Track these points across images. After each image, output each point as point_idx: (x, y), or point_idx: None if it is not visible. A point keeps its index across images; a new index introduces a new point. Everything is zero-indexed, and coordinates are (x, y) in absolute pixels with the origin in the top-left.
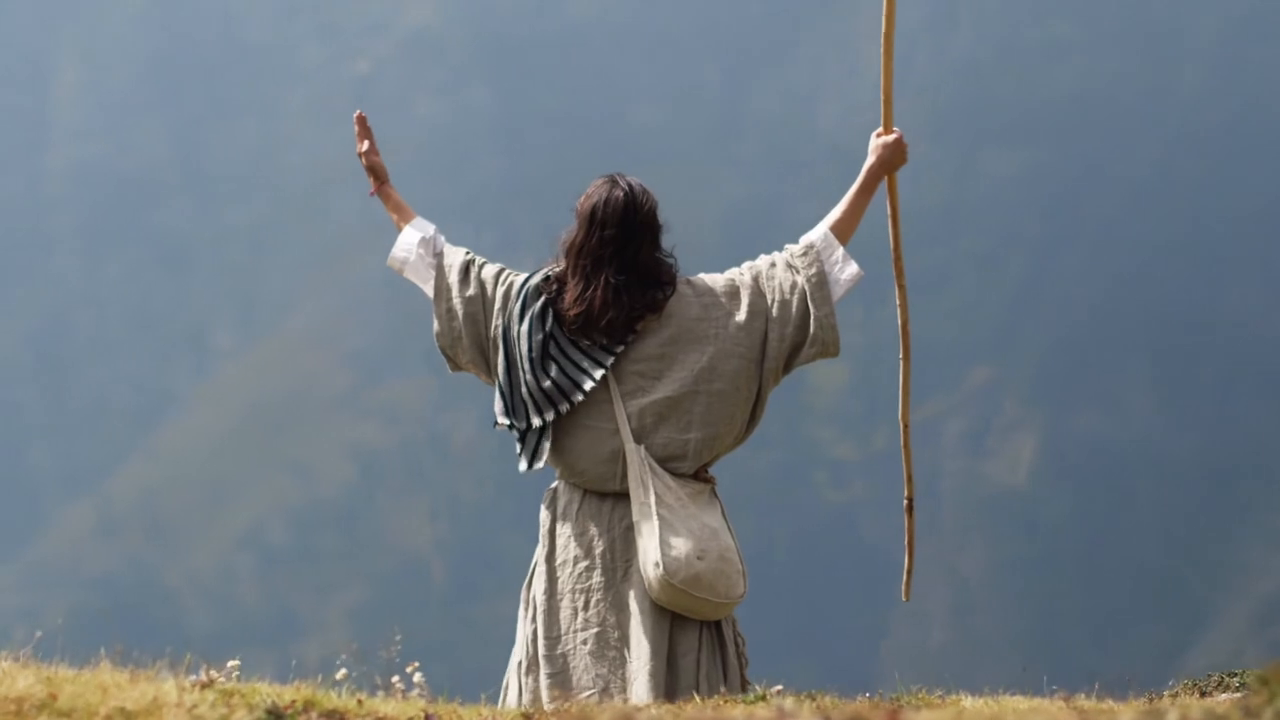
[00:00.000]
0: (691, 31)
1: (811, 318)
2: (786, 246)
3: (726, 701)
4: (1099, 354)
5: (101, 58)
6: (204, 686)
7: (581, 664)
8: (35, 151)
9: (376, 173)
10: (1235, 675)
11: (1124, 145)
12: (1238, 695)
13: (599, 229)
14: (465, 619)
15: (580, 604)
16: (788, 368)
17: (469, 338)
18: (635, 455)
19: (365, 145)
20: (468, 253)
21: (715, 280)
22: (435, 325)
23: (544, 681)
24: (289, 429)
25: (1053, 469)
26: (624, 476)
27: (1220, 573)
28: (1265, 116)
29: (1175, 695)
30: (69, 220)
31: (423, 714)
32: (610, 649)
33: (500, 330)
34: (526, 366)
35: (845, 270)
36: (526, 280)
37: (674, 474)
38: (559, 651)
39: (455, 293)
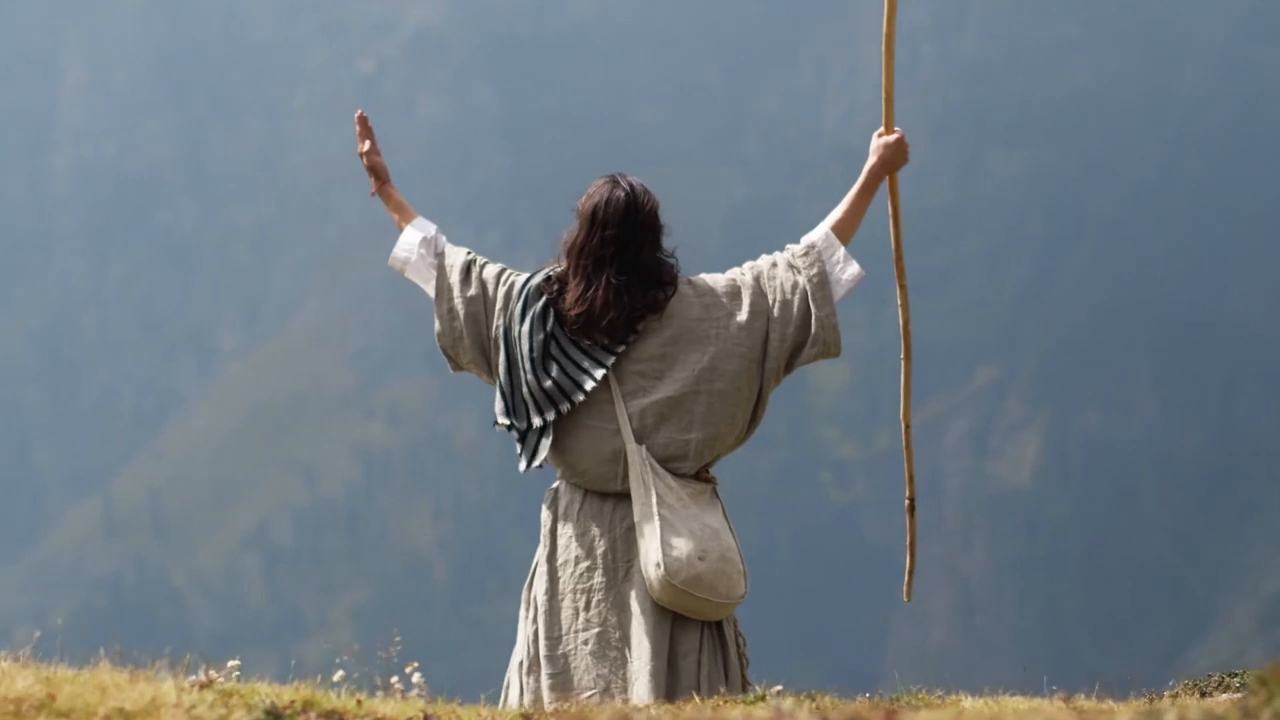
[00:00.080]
0: (695, 32)
1: (813, 318)
2: (788, 246)
3: (726, 702)
4: (1103, 354)
5: (106, 59)
6: (203, 687)
7: (583, 664)
8: (40, 152)
9: (377, 173)
10: (1235, 675)
11: (1127, 146)
12: (1238, 696)
13: (600, 229)
14: (468, 619)
15: (581, 604)
16: (789, 368)
17: (470, 338)
18: (636, 455)
19: (366, 145)
20: (469, 253)
21: (716, 280)
22: (437, 325)
23: (545, 681)
24: (293, 429)
25: (1056, 469)
26: (625, 477)
27: (1224, 573)
28: (1267, 117)
29: (1175, 696)
30: (74, 220)
31: (421, 714)
32: (611, 649)
33: (501, 330)
34: (528, 366)
35: (847, 270)
36: (528, 280)
37: (675, 474)
38: (560, 652)
39: (457, 293)
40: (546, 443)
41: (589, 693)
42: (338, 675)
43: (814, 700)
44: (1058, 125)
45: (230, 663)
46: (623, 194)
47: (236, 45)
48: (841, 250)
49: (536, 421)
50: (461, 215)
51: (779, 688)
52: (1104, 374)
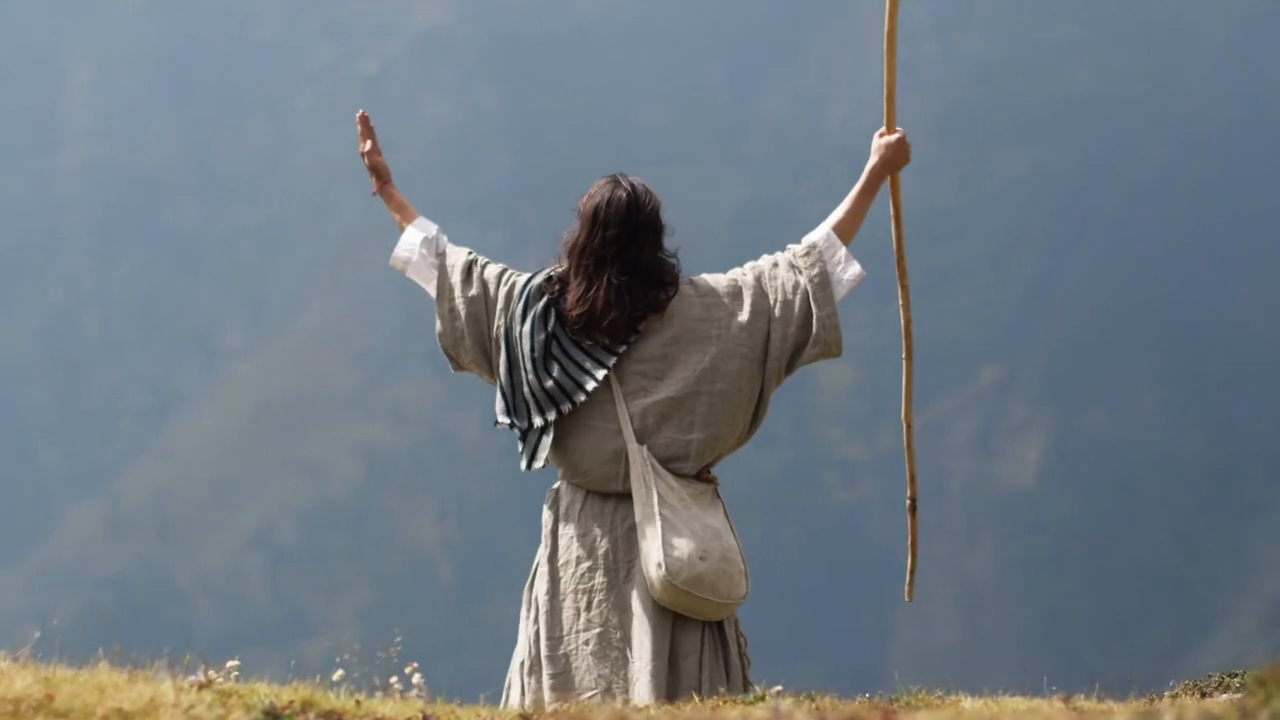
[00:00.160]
0: (699, 31)
1: (814, 318)
2: (789, 246)
3: (725, 702)
4: (1107, 354)
5: (111, 58)
6: (202, 687)
7: (584, 664)
8: (45, 151)
9: (379, 172)
10: (1235, 676)
11: (1132, 145)
12: (1237, 696)
13: (601, 229)
14: (473, 619)
15: (583, 604)
16: (790, 368)
17: (471, 338)
18: (638, 456)
19: (368, 145)
20: (470, 253)
21: (718, 280)
22: (438, 325)
23: (546, 682)
24: (298, 429)
25: (1061, 469)
26: (626, 477)
27: (1228, 573)
28: (1273, 117)
29: (1175, 696)
30: (78, 220)
31: (420, 714)
32: (613, 649)
33: (502, 330)
34: (529, 366)
35: (848, 270)
36: (529, 280)
37: (676, 474)
38: (561, 652)
39: (458, 293)
40: (547, 441)
41: (590, 693)
42: (337, 675)
43: (813, 700)
44: (1061, 125)
45: (229, 663)
46: (624, 194)
47: (240, 45)
48: (843, 250)
49: (537, 421)
50: (467, 215)
51: (779, 688)
52: (1108, 374)
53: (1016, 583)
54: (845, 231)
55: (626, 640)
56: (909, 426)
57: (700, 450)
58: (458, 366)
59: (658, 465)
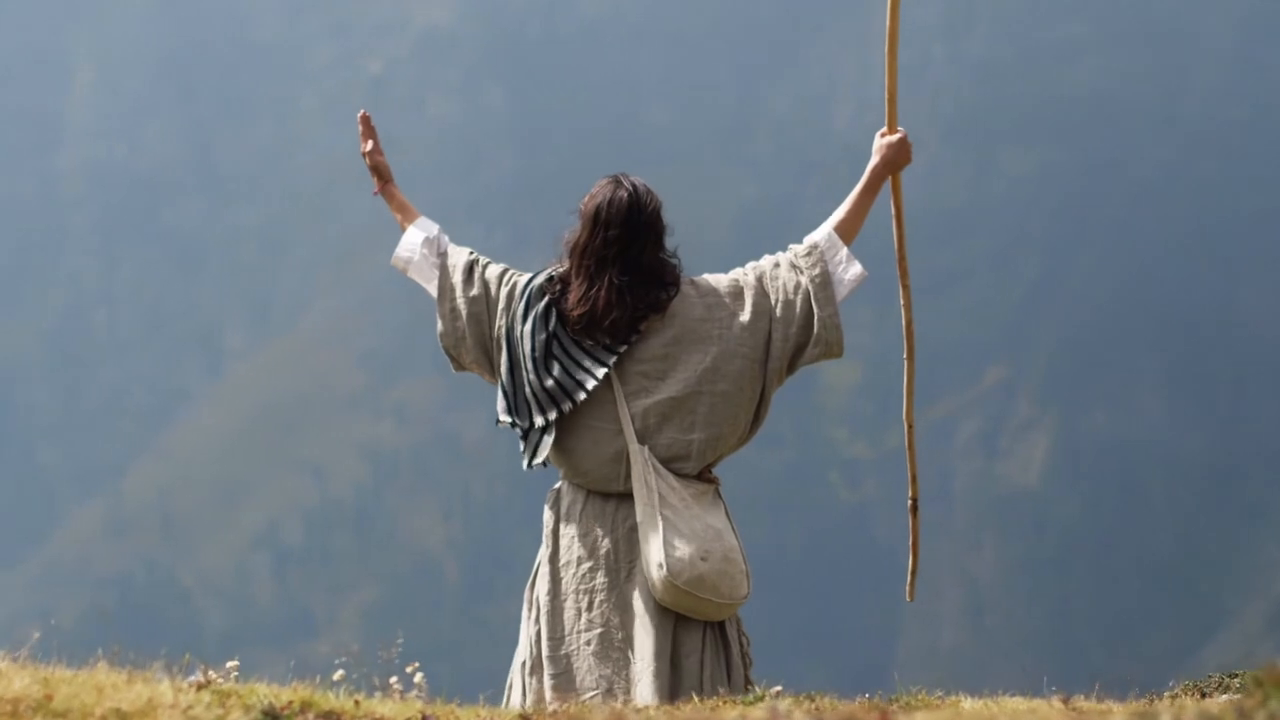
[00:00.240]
0: (703, 32)
1: (815, 318)
2: (790, 246)
3: (725, 703)
4: (1110, 353)
5: (115, 59)
6: (200, 687)
7: (585, 665)
8: (49, 152)
9: (380, 172)
10: (1236, 677)
11: (1136, 145)
12: (1237, 697)
13: (603, 229)
14: (477, 618)
15: (584, 604)
16: (791, 368)
17: (473, 338)
18: (639, 456)
19: (369, 145)
20: (471, 252)
21: (719, 280)
22: (439, 325)
23: (548, 682)
24: (301, 429)
25: (1065, 469)
26: (628, 477)
27: (1233, 572)
28: (1275, 117)
29: (1175, 697)
30: (82, 220)
31: (420, 714)
32: (614, 650)
33: (504, 330)
34: (530, 366)
35: (849, 270)
36: (530, 280)
37: (678, 474)
38: (563, 652)
39: (459, 292)
40: (549, 440)
41: (591, 693)
42: (337, 675)
43: (813, 701)
44: (1064, 126)
45: (229, 663)
46: (625, 194)
47: (244, 45)
48: (844, 250)
49: (539, 421)
50: (471, 214)
51: (778, 688)
52: (1111, 374)
53: (1021, 583)
54: (847, 231)
55: (628, 640)
56: (910, 426)
57: (701, 450)
58: (459, 366)
59: (659, 465)
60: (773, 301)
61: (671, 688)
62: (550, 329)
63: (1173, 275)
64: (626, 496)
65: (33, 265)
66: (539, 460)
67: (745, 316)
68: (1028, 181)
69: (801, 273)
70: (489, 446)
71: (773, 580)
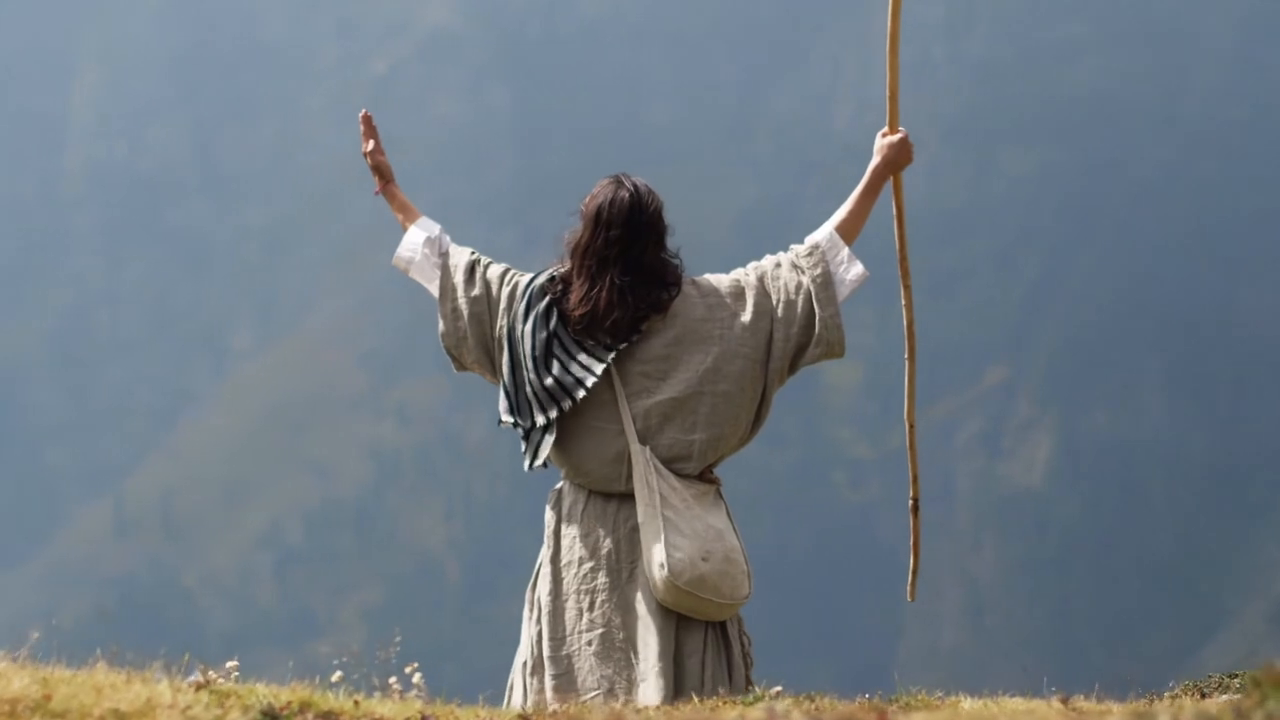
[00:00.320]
0: (705, 32)
1: (816, 318)
2: (792, 246)
3: (725, 703)
4: (1112, 353)
5: (119, 59)
6: (199, 688)
7: (586, 665)
8: (54, 151)
9: (382, 172)
10: (1235, 677)
11: (1138, 145)
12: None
13: (604, 229)
14: (479, 618)
15: (585, 605)
16: (793, 368)
17: (474, 338)
18: (640, 456)
19: (371, 145)
20: (473, 252)
21: (720, 281)
22: (440, 325)
23: (549, 682)
24: (306, 429)
25: (1068, 469)
26: (629, 477)
27: (1234, 573)
28: (1275, 117)
29: (1175, 697)
30: (86, 220)
31: (419, 715)
32: (615, 650)
33: (505, 330)
34: (530, 365)
35: (850, 270)
36: (531, 280)
37: (679, 475)
38: (564, 652)
39: (460, 292)
40: (550, 440)
41: (593, 693)
42: (336, 675)
43: (812, 701)
44: (1065, 126)
45: (229, 663)
46: (627, 194)
47: (248, 46)
48: (845, 250)
49: (540, 420)
50: (476, 213)
51: (778, 688)
52: (1112, 374)
53: (1022, 583)
54: (848, 231)
55: (630, 641)
56: (911, 427)
57: (703, 451)
58: (460, 366)
59: (660, 466)
60: (774, 302)
61: (673, 688)
62: (551, 328)
63: (1173, 275)
64: (628, 497)
65: (37, 265)
66: (539, 462)
67: (747, 317)
68: (1028, 181)
69: (803, 273)
70: (490, 447)
71: (774, 580)
